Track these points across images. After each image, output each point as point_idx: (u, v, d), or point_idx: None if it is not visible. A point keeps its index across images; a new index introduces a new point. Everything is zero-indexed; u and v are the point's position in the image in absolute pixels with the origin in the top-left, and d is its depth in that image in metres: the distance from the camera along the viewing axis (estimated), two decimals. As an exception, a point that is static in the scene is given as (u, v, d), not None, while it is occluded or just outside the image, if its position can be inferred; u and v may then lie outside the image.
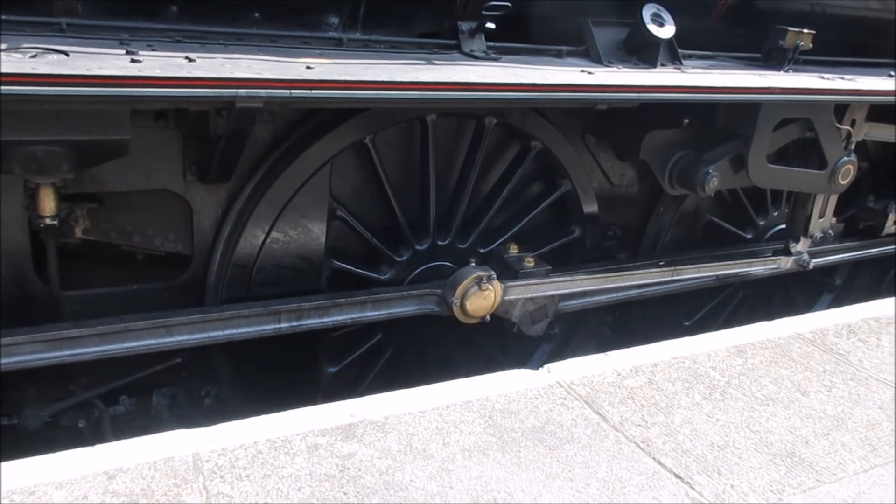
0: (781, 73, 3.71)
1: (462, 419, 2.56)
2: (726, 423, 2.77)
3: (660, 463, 2.52)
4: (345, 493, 2.18)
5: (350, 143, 3.15)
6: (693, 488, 2.42)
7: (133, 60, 2.23)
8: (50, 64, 2.08)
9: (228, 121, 2.59)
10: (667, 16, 3.36)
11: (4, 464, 2.10)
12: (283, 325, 3.01)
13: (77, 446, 2.23)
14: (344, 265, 3.36)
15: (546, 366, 2.95)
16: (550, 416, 2.65)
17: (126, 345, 2.73)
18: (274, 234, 3.08)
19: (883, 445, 2.75)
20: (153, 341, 2.78)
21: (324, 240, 3.21)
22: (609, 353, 3.12)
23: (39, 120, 2.22)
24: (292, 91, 2.36)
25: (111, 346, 2.70)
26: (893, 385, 3.17)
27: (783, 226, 4.67)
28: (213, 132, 2.74)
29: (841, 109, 3.98)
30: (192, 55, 2.37)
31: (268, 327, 2.99)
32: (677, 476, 2.47)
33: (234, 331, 2.93)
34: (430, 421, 2.53)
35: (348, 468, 2.28)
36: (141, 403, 3.11)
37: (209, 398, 3.27)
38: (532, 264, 3.51)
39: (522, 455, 2.45)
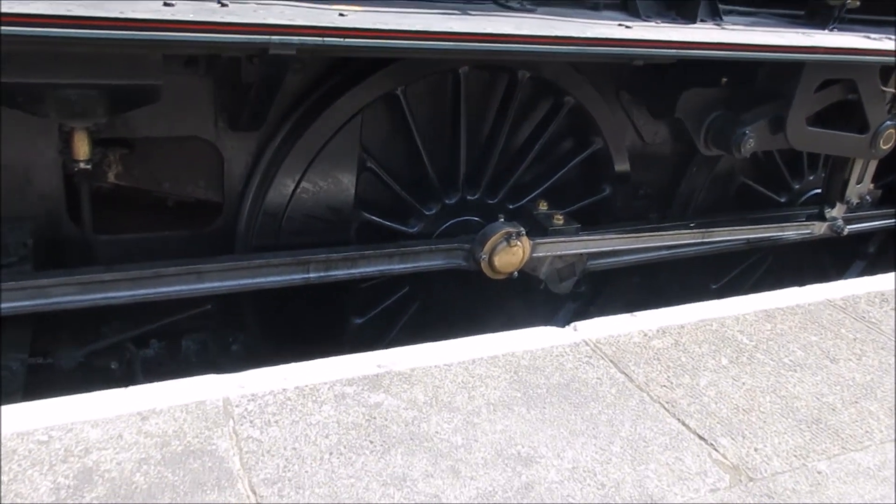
0: (826, 31, 3.59)
1: (488, 374, 2.58)
2: (752, 387, 2.76)
3: (684, 424, 2.52)
4: (371, 442, 2.22)
5: (381, 95, 3.12)
6: (716, 450, 2.42)
7: (166, 4, 2.20)
8: (84, 6, 2.07)
9: (260, 68, 2.58)
10: None
11: (42, 401, 2.16)
12: (311, 275, 3.03)
13: (109, 387, 2.28)
14: (373, 217, 3.36)
15: (573, 324, 2.95)
16: (576, 374, 2.65)
17: (158, 290, 2.77)
18: (304, 184, 3.08)
19: (911, 415, 2.74)
20: (184, 287, 2.82)
21: (353, 191, 3.20)
22: (636, 313, 3.10)
23: (74, 63, 2.22)
24: (325, 38, 2.33)
25: (143, 291, 2.74)
26: (925, 355, 3.14)
27: (818, 190, 4.58)
28: (244, 79, 2.73)
29: (886, 71, 3.85)
30: (224, 0, 2.35)
31: (296, 277, 3.01)
32: (701, 437, 2.47)
33: (264, 279, 2.95)
34: (456, 374, 2.55)
35: (375, 417, 2.31)
36: (171, 348, 3.16)
37: (237, 345, 3.32)
38: (561, 222, 3.48)
39: (547, 411, 2.47)
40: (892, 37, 3.68)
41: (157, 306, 2.89)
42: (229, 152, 3.01)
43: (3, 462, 1.95)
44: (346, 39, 2.37)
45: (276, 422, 2.22)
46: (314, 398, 2.33)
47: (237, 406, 2.24)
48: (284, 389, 2.33)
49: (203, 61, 2.82)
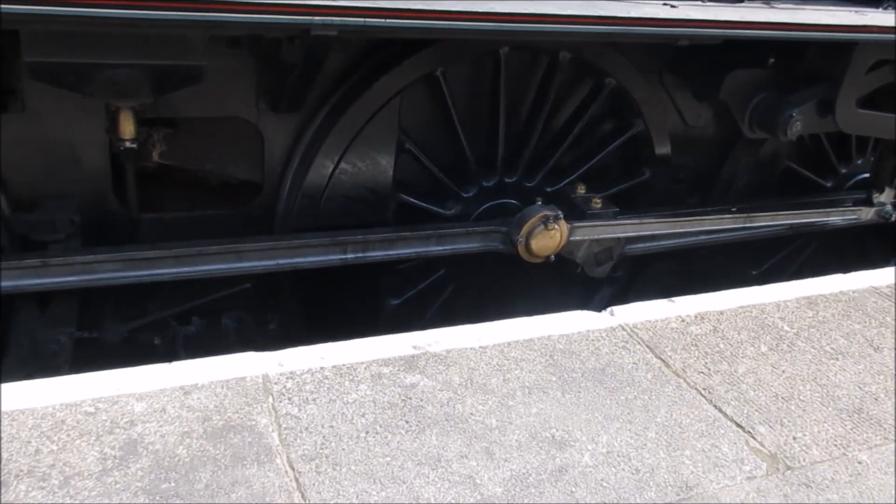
0: (880, 10, 3.47)
1: (523, 357, 2.58)
2: (792, 375, 2.72)
3: (721, 411, 2.50)
4: (407, 422, 2.24)
5: (421, 76, 3.11)
6: (754, 438, 2.40)
7: None
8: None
9: (301, 49, 2.59)
10: None
11: (89, 374, 2.23)
12: (349, 255, 3.06)
13: (152, 362, 2.34)
14: (410, 199, 3.37)
15: (609, 308, 2.93)
16: (612, 359, 2.64)
17: (199, 268, 2.82)
18: (343, 165, 3.10)
19: (957, 407, 2.67)
20: (225, 266, 2.86)
21: (391, 172, 3.21)
22: (674, 298, 3.07)
23: (120, 44, 2.26)
24: (367, 20, 2.33)
25: (185, 269, 2.80)
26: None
27: (866, 175, 4.45)
28: (286, 60, 2.75)
29: (941, 52, 3.72)
30: None
31: (334, 257, 3.04)
32: (738, 425, 2.45)
33: (302, 259, 2.99)
34: (492, 357, 2.56)
35: (410, 398, 2.33)
36: (211, 325, 3.23)
37: (274, 324, 3.37)
38: (599, 205, 3.45)
39: (582, 395, 2.47)
40: (950, 16, 3.55)
41: (199, 284, 2.94)
42: (270, 133, 3.04)
43: (53, 432, 2.02)
44: (388, 20, 2.36)
45: (314, 400, 2.26)
46: (351, 377, 2.36)
47: (276, 383, 2.28)
48: (322, 368, 2.37)
49: (246, 42, 2.84)
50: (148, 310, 3.11)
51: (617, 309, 2.92)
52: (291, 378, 2.31)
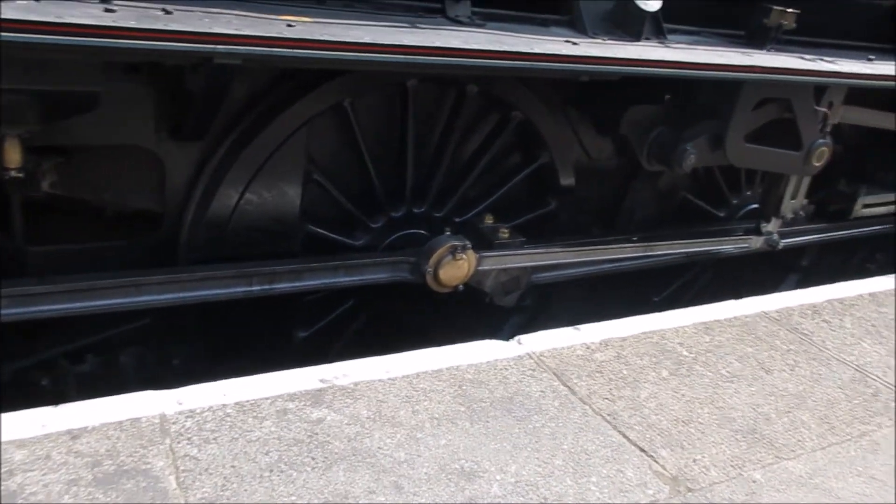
0: (764, 52, 3.70)
1: (432, 388, 2.57)
2: (691, 399, 2.81)
3: (625, 436, 2.55)
4: (313, 458, 2.18)
5: (328, 106, 3.09)
6: (657, 461, 2.46)
7: (107, 10, 2.13)
8: (17, 9, 1.99)
9: (205, 77, 2.52)
10: None
11: (-35, 421, 2.06)
12: (254, 287, 2.98)
13: (40, 405, 2.19)
14: (318, 230, 3.32)
15: (517, 337, 2.97)
16: (519, 387, 2.66)
17: (94, 303, 2.68)
18: (248, 195, 3.03)
19: (840, 424, 2.83)
20: (122, 300, 2.73)
21: (299, 203, 3.16)
22: (579, 326, 3.14)
23: (5, 68, 2.13)
24: (272, 49, 2.29)
25: (78, 304, 2.65)
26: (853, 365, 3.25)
27: (755, 205, 4.71)
28: (188, 88, 2.67)
29: (819, 91, 3.99)
30: (168, 7, 2.28)
31: (239, 290, 2.95)
32: (642, 449, 2.51)
33: (206, 292, 2.89)
34: (400, 388, 2.54)
35: (317, 433, 2.27)
36: (107, 363, 3.06)
37: (178, 360, 3.23)
38: (507, 235, 3.50)
39: (490, 425, 2.47)
40: (825, 58, 3.82)
41: (94, 319, 2.79)
42: (171, 162, 2.94)
43: (-79, 485, 1.86)
44: (294, 51, 2.33)
45: (215, 439, 2.17)
46: (255, 414, 2.28)
47: (174, 423, 2.18)
48: (224, 405, 2.28)
49: (145, 68, 2.75)
50: (36, 348, 2.92)
51: (524, 337, 2.96)
52: (191, 417, 2.21)
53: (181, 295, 2.84)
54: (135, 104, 2.77)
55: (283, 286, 3.03)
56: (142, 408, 2.20)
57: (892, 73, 3.98)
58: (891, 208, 5.17)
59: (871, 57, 4.14)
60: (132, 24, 2.08)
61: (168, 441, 2.12)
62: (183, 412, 2.22)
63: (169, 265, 3.00)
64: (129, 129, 2.80)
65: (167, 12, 2.23)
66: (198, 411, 2.24)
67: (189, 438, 2.14)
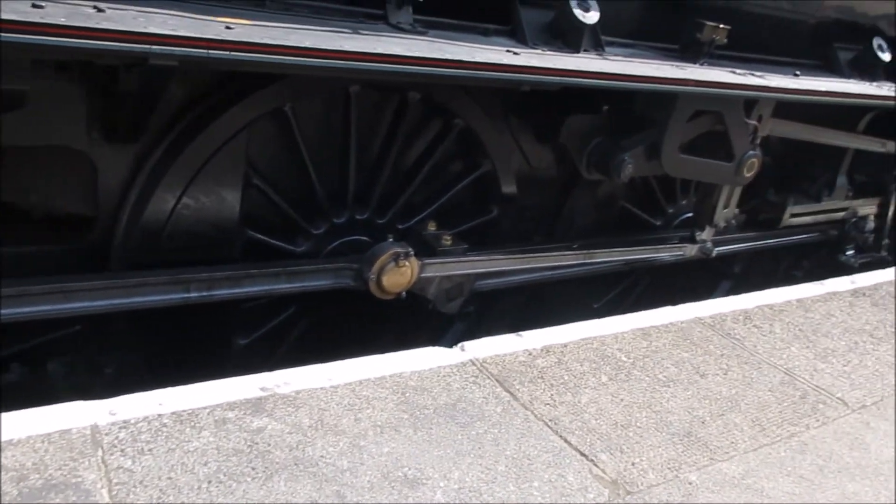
0: (697, 65, 3.82)
1: (375, 395, 2.55)
2: (630, 403, 2.87)
3: (566, 441, 2.58)
4: (253, 469, 2.14)
5: (269, 110, 3.04)
6: (597, 465, 2.50)
7: (35, 6, 2.04)
8: (-63, 2, 1.90)
9: (139, 78, 2.45)
10: (592, 1, 3.39)
11: None
12: (192, 294, 2.90)
13: (-39, 417, 2.09)
14: (258, 235, 3.26)
15: (460, 344, 2.97)
16: (462, 394, 2.67)
17: (20, 310, 2.56)
18: (186, 199, 2.96)
19: (771, 426, 2.92)
20: (51, 307, 2.62)
21: (238, 208, 3.10)
22: (522, 332, 3.16)
23: None
24: (210, 51, 2.23)
25: (4, 311, 2.53)
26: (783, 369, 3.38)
27: (690, 214, 4.85)
28: (122, 88, 2.59)
29: (750, 105, 4.14)
30: (101, 5, 2.20)
31: (176, 296, 2.87)
32: (582, 454, 2.54)
33: (140, 299, 2.80)
34: (343, 396, 2.51)
35: (257, 443, 2.23)
36: (35, 372, 2.93)
37: (110, 368, 3.12)
38: (450, 242, 3.51)
39: (434, 432, 2.46)
40: (755, 73, 3.97)
41: (20, 327, 2.67)
42: (104, 164, 2.84)
43: None
44: (233, 53, 2.29)
45: (150, 450, 2.10)
46: (192, 424, 2.22)
47: (107, 434, 2.10)
48: (160, 415, 2.21)
49: (76, 67, 2.65)
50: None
51: (467, 344, 2.97)
52: (125, 428, 2.13)
53: (114, 302, 2.75)
54: (65, 104, 2.68)
55: (222, 293, 2.97)
56: (72, 419, 2.11)
57: (818, 87, 4.17)
58: (817, 217, 5.40)
59: (798, 72, 4.32)
60: (62, 20, 2.00)
61: (100, 453, 2.04)
62: (116, 423, 2.14)
63: (101, 271, 2.90)
64: (58, 130, 2.70)
65: (99, 10, 2.15)
66: (132, 422, 2.16)
67: (123, 450, 2.07)
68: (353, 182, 3.44)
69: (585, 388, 2.89)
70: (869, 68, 4.82)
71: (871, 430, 3.02)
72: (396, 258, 3.27)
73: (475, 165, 3.83)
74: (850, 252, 5.62)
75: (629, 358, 3.17)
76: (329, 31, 2.65)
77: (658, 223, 4.83)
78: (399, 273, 3.30)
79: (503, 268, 3.78)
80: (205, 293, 2.93)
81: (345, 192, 3.45)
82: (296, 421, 2.35)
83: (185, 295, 2.89)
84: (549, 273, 4.06)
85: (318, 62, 2.46)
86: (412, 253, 3.31)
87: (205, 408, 2.29)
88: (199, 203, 3.00)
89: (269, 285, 3.09)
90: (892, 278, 4.81)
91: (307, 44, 2.43)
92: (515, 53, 3.03)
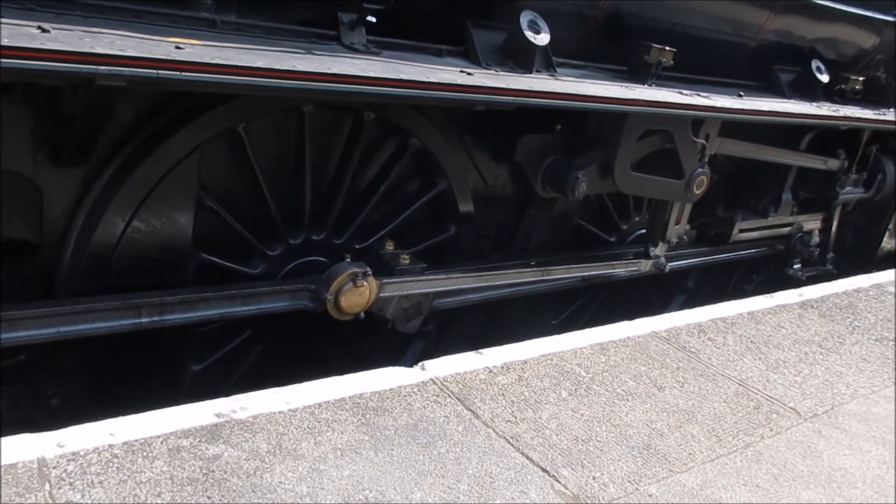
0: (645, 86, 3.91)
1: (334, 418, 2.51)
2: (590, 418, 2.89)
3: (528, 458, 2.58)
4: (209, 497, 2.08)
5: (221, 131, 3.00)
6: (558, 481, 2.50)
7: None
8: None
9: (86, 99, 2.40)
10: (543, 24, 3.45)
11: None
12: (143, 319, 2.82)
13: None
14: (211, 258, 3.20)
15: (420, 363, 2.96)
16: (424, 414, 2.65)
17: (-40, 340, 2.47)
18: (136, 223, 2.89)
19: (727, 437, 2.97)
20: (-8, 336, 2.52)
21: (190, 231, 3.04)
22: (482, 350, 3.17)
23: None
24: (160, 71, 2.20)
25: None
26: (737, 380, 3.44)
27: (643, 230, 4.94)
28: (67, 110, 2.53)
29: (697, 124, 4.25)
30: (45, 25, 2.16)
31: (126, 322, 2.79)
32: (544, 470, 2.54)
33: (89, 325, 2.71)
34: (302, 420, 2.46)
35: (213, 471, 2.17)
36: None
37: (57, 398, 3.01)
38: (408, 261, 3.50)
39: (395, 453, 2.44)
40: (701, 93, 4.08)
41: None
42: (50, 188, 2.76)
43: None
44: (183, 73, 2.25)
45: (101, 482, 2.03)
46: (145, 454, 2.15)
47: (55, 467, 2.02)
48: (111, 446, 2.14)
49: (20, 88, 2.59)
50: None
51: (428, 363, 2.96)
52: (73, 460, 2.06)
53: (62, 329, 2.66)
54: (8, 126, 2.60)
55: (174, 317, 2.90)
56: (18, 452, 2.03)
57: (761, 107, 4.31)
58: (765, 232, 5.55)
59: (741, 93, 4.46)
60: (4, 41, 1.95)
61: (48, 487, 1.96)
62: (65, 455, 2.06)
63: (47, 298, 2.80)
64: (2, 153, 2.62)
65: (44, 30, 2.11)
66: (81, 453, 2.09)
67: (71, 483, 1.99)
68: (309, 202, 3.41)
69: (546, 404, 2.90)
70: (809, 89, 5.01)
71: (824, 439, 3.09)
72: (354, 278, 3.24)
73: (432, 184, 3.84)
74: (796, 266, 5.78)
75: (588, 373, 3.20)
76: (282, 51, 2.64)
77: (613, 240, 4.90)
78: (357, 293, 3.27)
79: (461, 286, 3.78)
80: (156, 318, 2.86)
81: (301, 213, 3.42)
82: (253, 447, 2.30)
83: (137, 320, 2.82)
84: (508, 290, 4.08)
85: (270, 82, 2.44)
86: (370, 273, 3.29)
87: (158, 436, 2.22)
88: (150, 226, 2.93)
89: (225, 308, 3.03)
90: (838, 290, 4.96)
91: (259, 64, 2.41)
92: (469, 73, 3.06)
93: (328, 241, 3.53)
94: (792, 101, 4.83)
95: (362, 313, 3.36)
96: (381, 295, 3.40)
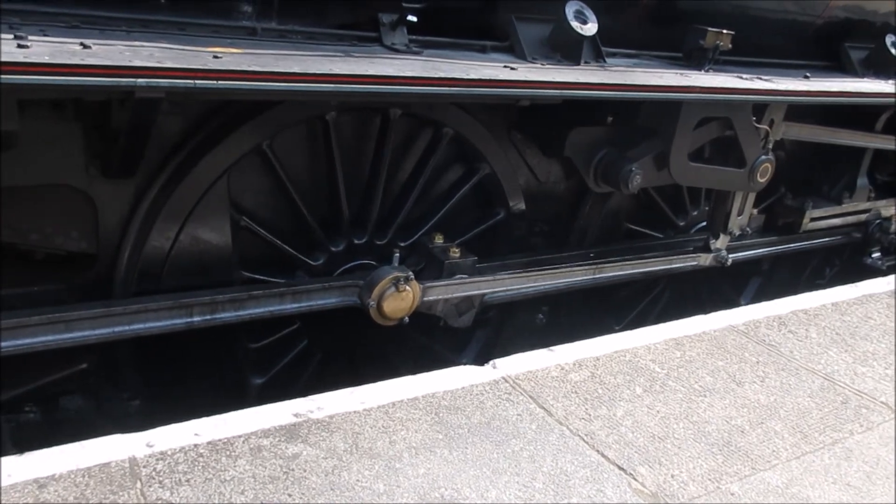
0: (702, 72, 4.12)
1: (408, 416, 2.80)
2: (666, 415, 3.13)
3: (603, 455, 2.83)
4: (289, 495, 2.37)
5: (246, 152, 3.26)
6: (636, 479, 2.73)
7: (20, 46, 2.24)
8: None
9: (129, 112, 2.63)
10: (590, 13, 3.67)
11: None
12: (195, 318, 3.09)
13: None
14: (255, 276, 3.47)
15: (492, 361, 3.25)
16: (496, 412, 2.93)
17: (19, 342, 2.73)
18: (182, 236, 3.18)
19: (813, 433, 3.17)
20: (50, 337, 2.79)
21: (231, 250, 3.31)
22: (553, 347, 3.44)
23: None
24: (196, 81, 2.43)
25: (5, 343, 2.68)
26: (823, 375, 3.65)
27: (703, 224, 5.15)
28: (114, 123, 2.78)
29: (759, 109, 4.47)
30: (88, 41, 2.41)
31: (179, 321, 3.06)
32: (620, 468, 2.77)
33: (142, 325, 2.98)
34: (377, 419, 2.76)
35: (293, 469, 2.46)
36: (47, 411, 3.12)
37: (124, 404, 3.30)
38: (458, 254, 3.71)
39: (469, 451, 2.71)
40: (763, 77, 4.30)
41: (30, 367, 2.87)
42: (103, 200, 3.07)
43: None
44: (220, 82, 2.47)
45: (188, 481, 2.33)
46: (228, 453, 2.46)
47: (145, 466, 2.34)
48: (196, 445, 2.45)
49: (71, 104, 2.88)
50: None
51: (499, 361, 3.24)
52: (162, 459, 2.37)
53: (116, 329, 2.93)
54: (62, 142, 2.90)
55: (225, 315, 3.17)
56: (111, 452, 2.35)
57: (830, 89, 4.50)
58: (838, 220, 5.74)
59: (808, 74, 4.69)
60: (45, 59, 2.19)
61: (139, 485, 2.27)
62: (154, 455, 2.38)
63: None
64: (56, 168, 2.93)
65: (86, 47, 2.37)
66: (169, 453, 2.40)
67: (160, 481, 2.30)
68: (347, 207, 3.67)
69: (620, 401, 3.16)
70: (883, 66, 5.19)
71: (918, 432, 3.25)
72: (396, 283, 3.46)
73: (473, 171, 4.05)
74: (875, 254, 5.94)
75: (663, 369, 3.45)
76: (320, 55, 2.89)
77: (681, 223, 5.07)
78: (400, 298, 3.49)
79: (509, 287, 3.98)
80: (208, 317, 3.13)
81: (339, 219, 3.69)
82: (331, 445, 2.59)
83: (189, 319, 3.09)
84: (564, 283, 4.25)
85: (306, 87, 2.66)
86: (412, 276, 3.51)
87: (240, 436, 2.53)
88: (196, 241, 3.22)
89: (275, 306, 3.29)
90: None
91: (295, 69, 2.63)
92: (513, 68, 3.29)
93: (371, 243, 3.80)
94: (865, 79, 5.01)
95: (406, 318, 3.58)
96: (425, 299, 3.62)
